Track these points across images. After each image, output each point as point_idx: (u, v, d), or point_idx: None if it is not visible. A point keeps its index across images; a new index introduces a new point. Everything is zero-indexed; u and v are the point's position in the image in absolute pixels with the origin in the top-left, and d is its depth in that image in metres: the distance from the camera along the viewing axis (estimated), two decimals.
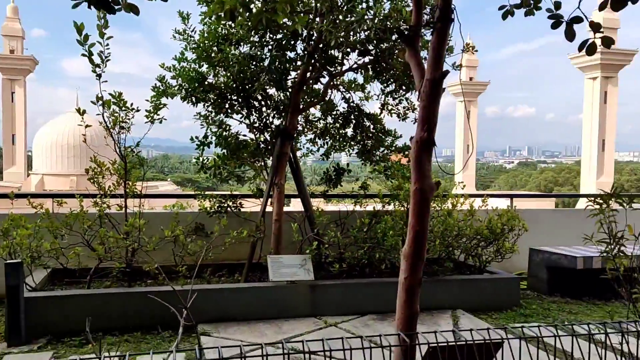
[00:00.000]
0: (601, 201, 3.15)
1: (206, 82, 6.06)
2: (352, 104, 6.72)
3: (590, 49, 2.29)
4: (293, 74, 6.18)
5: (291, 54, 6.07)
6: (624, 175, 59.59)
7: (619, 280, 3.14)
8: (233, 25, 5.84)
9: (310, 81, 6.35)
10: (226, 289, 5.16)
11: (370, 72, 6.29)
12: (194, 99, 6.11)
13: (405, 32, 2.56)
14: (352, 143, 6.91)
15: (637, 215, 3.17)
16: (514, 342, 2.04)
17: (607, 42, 2.27)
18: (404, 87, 6.40)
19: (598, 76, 25.62)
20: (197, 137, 6.26)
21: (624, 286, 3.10)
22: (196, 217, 6.15)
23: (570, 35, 2.30)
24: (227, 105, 6.23)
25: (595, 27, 2.23)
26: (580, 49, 2.35)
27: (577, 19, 2.29)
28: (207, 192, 6.37)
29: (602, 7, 2.18)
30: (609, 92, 26.05)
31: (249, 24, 5.57)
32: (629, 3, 2.09)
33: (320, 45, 5.83)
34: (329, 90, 6.54)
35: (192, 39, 6.01)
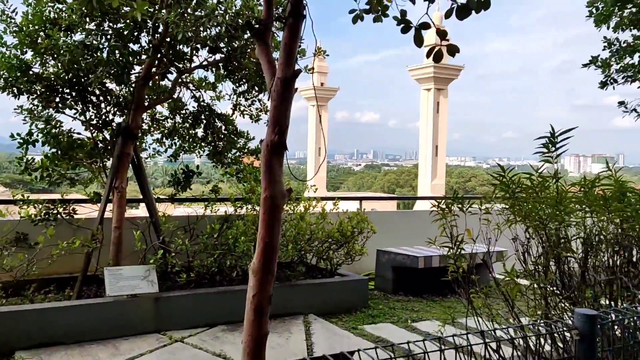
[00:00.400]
0: (444, 207, 3.28)
1: (31, 72, 5.29)
2: (202, 103, 6.39)
3: (437, 56, 2.33)
4: (137, 68, 5.67)
5: (134, 47, 5.57)
6: (453, 178, 66.34)
7: (458, 281, 3.29)
8: (63, 8, 5.17)
9: (157, 77, 5.89)
10: (52, 307, 4.50)
11: (222, 71, 6.03)
12: (15, 90, 5.30)
13: (256, 26, 2.38)
14: (203, 144, 6.58)
15: (474, 218, 3.35)
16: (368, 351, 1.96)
17: (452, 50, 2.32)
18: (256, 88, 6.24)
19: (432, 88, 28.08)
20: (19, 134, 5.44)
21: (463, 287, 3.25)
22: (17, 226, 5.33)
23: (419, 40, 2.31)
24: (57, 99, 5.51)
25: (441, 34, 2.27)
26: (428, 55, 2.38)
27: (425, 25, 2.30)
28: (30, 197, 5.54)
29: (447, 15, 2.22)
30: (441, 103, 28.68)
31: (84, 9, 4.98)
32: (472, 12, 2.14)
33: (168, 39, 5.42)
34: (178, 88, 6.14)
35: (12, 21, 5.20)
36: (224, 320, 5.10)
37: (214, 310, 5.12)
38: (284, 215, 6.12)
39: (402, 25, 2.45)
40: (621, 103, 6.84)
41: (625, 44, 6.43)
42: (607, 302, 3.05)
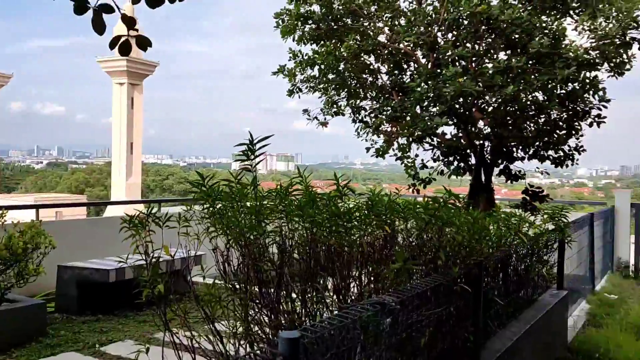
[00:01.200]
0: (137, 223, 2.89)
1: None
2: None
3: (124, 48, 1.92)
4: None
5: None
6: (151, 176, 64.83)
7: (154, 301, 2.97)
8: None
9: None
10: None
11: None
12: None
13: None
14: None
15: (174, 224, 3.06)
16: None
17: (143, 42, 1.95)
18: None
19: (125, 82, 26.76)
20: None
21: (160, 307, 2.94)
22: None
23: (98, 26, 1.86)
24: None
25: (128, 22, 1.87)
26: (111, 46, 1.95)
27: (107, 8, 1.87)
28: None
29: (135, 1, 1.84)
30: (135, 98, 27.59)
31: None
32: (166, 2, 1.82)
33: None
34: None
35: None
36: None
37: None
38: None
39: (77, 5, 1.95)
40: (305, 111, 7.53)
41: (307, 57, 7.07)
42: (301, 307, 3.15)
